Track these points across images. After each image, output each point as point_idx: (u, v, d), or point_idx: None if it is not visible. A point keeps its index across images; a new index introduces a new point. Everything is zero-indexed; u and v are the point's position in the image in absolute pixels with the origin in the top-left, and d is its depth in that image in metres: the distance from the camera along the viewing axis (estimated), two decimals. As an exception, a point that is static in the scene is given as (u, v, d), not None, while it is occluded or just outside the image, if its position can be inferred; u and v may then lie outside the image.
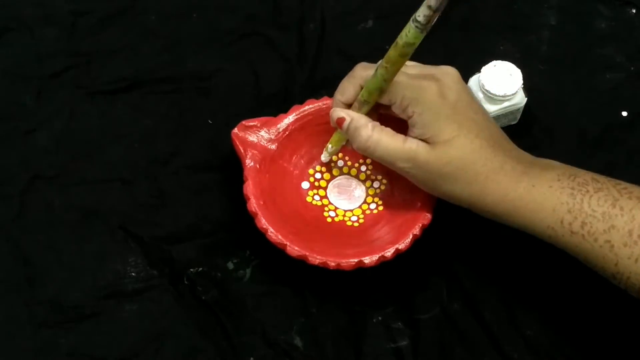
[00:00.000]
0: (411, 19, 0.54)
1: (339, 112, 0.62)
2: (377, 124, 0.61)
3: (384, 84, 0.59)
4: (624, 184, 0.57)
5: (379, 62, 0.59)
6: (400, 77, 0.59)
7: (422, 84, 0.59)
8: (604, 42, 0.76)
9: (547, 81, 0.74)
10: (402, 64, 0.58)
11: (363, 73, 0.61)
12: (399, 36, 0.56)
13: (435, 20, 0.54)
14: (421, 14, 0.53)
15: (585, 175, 0.58)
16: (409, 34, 0.55)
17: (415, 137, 0.59)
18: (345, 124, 0.61)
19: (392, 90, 0.60)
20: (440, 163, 0.59)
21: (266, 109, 0.72)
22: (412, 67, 0.61)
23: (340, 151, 0.67)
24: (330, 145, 0.66)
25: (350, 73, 0.63)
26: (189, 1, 0.78)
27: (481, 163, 0.59)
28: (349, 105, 0.62)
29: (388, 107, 0.61)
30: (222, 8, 0.77)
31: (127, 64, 0.74)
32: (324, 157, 0.67)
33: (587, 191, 0.57)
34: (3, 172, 0.69)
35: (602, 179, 0.58)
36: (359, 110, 0.62)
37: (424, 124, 0.59)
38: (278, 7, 0.77)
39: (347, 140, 0.64)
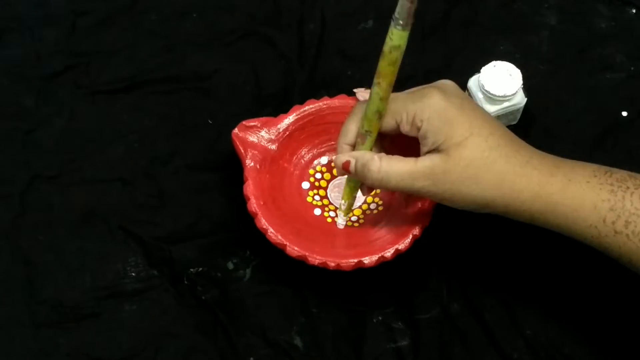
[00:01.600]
0: (391, 22, 0.53)
1: (341, 157, 0.60)
2: (384, 154, 0.59)
3: (381, 104, 0.57)
4: None
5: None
6: (399, 97, 0.58)
7: (422, 92, 0.58)
8: (604, 42, 0.76)
9: (547, 81, 0.74)
10: (393, 74, 0.56)
11: (361, 107, 0.60)
12: (384, 44, 0.54)
13: (413, 12, 0.51)
14: (398, 9, 0.51)
15: (621, 172, 0.56)
16: (393, 36, 0.53)
17: (429, 151, 0.57)
18: (352, 165, 0.59)
19: (395, 108, 0.58)
20: (460, 168, 0.56)
21: (266, 109, 0.72)
22: (406, 91, 0.60)
23: (353, 202, 0.65)
24: (343, 202, 0.64)
25: (350, 113, 0.61)
26: (189, 1, 0.77)
27: (503, 160, 0.56)
28: (354, 147, 0.61)
29: (392, 138, 0.60)
30: (222, 8, 0.77)
31: (127, 64, 0.74)
32: (341, 221, 0.65)
33: (628, 188, 0.55)
34: (3, 172, 0.69)
35: (638, 175, 0.56)
36: (362, 145, 0.60)
37: (435, 130, 0.56)
38: (278, 7, 0.77)
39: (359, 186, 0.63)
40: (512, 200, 0.57)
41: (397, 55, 0.55)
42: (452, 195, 0.57)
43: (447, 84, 0.59)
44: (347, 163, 0.60)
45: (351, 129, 0.60)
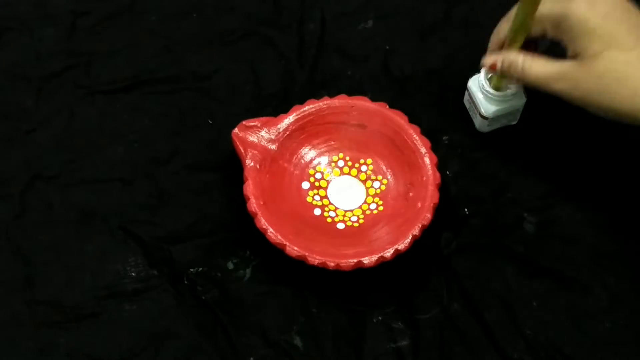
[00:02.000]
0: None
1: (490, 58, 0.63)
2: (528, 56, 0.61)
3: (527, 21, 0.59)
4: None
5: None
6: (545, 4, 0.59)
7: None
8: (604, 42, 0.76)
9: (547, 81, 0.74)
10: None
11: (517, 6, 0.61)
12: None
13: None
14: None
15: None
16: None
17: (571, 56, 0.58)
18: (498, 65, 0.62)
19: (542, 13, 0.59)
20: (592, 79, 0.57)
21: (266, 109, 0.72)
22: None
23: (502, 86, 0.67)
24: (494, 82, 0.66)
25: (509, 13, 0.63)
26: (189, 1, 0.78)
27: (639, 74, 0.56)
28: (502, 45, 0.63)
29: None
30: (222, 8, 0.77)
31: (127, 64, 0.74)
32: (486, 93, 0.67)
33: None
34: (3, 172, 0.69)
35: None
36: (510, 47, 0.62)
37: (574, 38, 0.58)
38: (278, 7, 0.77)
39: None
40: None
41: None
42: (587, 104, 0.59)
43: None
44: (494, 65, 0.63)
45: (503, 28, 0.63)
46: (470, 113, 0.71)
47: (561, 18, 0.58)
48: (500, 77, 0.66)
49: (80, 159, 0.70)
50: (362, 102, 0.68)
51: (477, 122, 0.70)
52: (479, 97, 0.68)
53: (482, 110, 0.68)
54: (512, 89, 0.67)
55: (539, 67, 0.60)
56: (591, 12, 0.57)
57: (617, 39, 0.56)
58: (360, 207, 0.67)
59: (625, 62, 0.56)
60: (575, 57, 0.58)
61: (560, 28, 0.59)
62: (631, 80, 0.56)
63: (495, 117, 0.68)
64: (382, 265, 0.62)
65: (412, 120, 0.67)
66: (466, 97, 0.71)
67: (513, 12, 0.62)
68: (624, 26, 0.57)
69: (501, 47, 0.64)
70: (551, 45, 0.63)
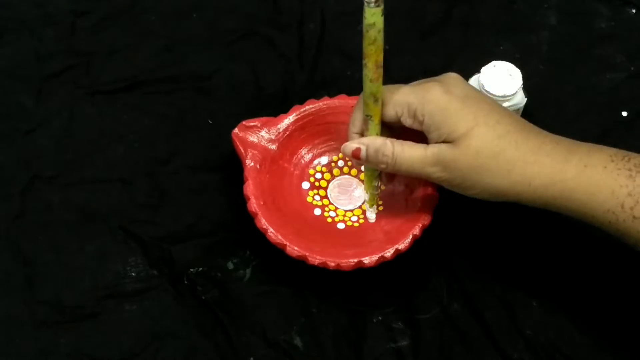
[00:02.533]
0: (364, 2, 0.52)
1: (350, 145, 0.60)
2: (395, 139, 0.59)
3: (372, 85, 0.57)
4: None
5: None
6: (402, 88, 0.58)
7: (424, 86, 0.58)
8: (604, 42, 0.76)
9: (547, 81, 0.74)
10: (376, 54, 0.55)
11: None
12: (363, 25, 0.54)
13: None
14: None
15: (639, 157, 0.55)
16: (366, 14, 0.53)
17: (436, 143, 0.57)
18: (362, 152, 0.59)
19: (397, 101, 0.58)
20: (468, 158, 0.56)
21: (266, 109, 0.72)
22: (411, 83, 0.60)
23: (376, 193, 0.65)
24: (366, 194, 0.65)
25: (357, 102, 0.61)
26: (189, 1, 0.78)
27: (512, 147, 0.55)
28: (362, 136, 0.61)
29: (403, 127, 0.59)
30: (222, 8, 0.77)
31: (127, 64, 0.74)
32: (370, 214, 0.65)
33: None
34: (3, 172, 0.69)
35: None
36: (367, 131, 0.60)
37: (437, 125, 0.56)
38: (278, 7, 0.77)
39: (377, 175, 0.63)
40: (524, 188, 0.56)
41: (375, 34, 0.54)
42: (462, 183, 0.57)
43: (451, 76, 0.59)
44: (358, 150, 0.59)
45: (357, 117, 0.60)
46: (470, 113, 0.71)
47: (418, 107, 0.57)
48: (370, 176, 0.63)
49: (80, 159, 0.70)
50: (362, 102, 0.68)
51: (477, 122, 0.70)
52: (478, 97, 0.68)
53: (482, 111, 0.68)
54: (512, 89, 0.67)
55: (412, 152, 0.57)
56: (449, 97, 0.56)
57: (480, 116, 0.56)
58: (360, 207, 0.67)
59: (496, 137, 0.56)
60: (441, 141, 0.57)
61: (416, 118, 0.57)
62: (506, 153, 0.56)
63: (495, 117, 0.68)
64: (382, 265, 0.62)
65: (412, 120, 0.67)
66: (466, 97, 0.71)
67: (362, 99, 0.59)
68: (483, 104, 0.57)
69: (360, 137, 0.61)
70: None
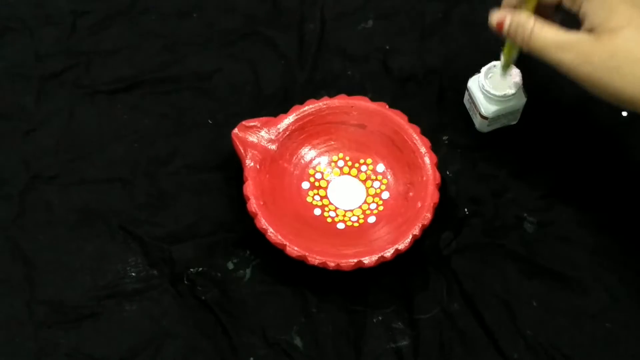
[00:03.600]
0: None
1: (497, 14, 0.59)
2: (540, 19, 0.58)
3: None
4: None
5: None
6: None
7: None
8: (604, 42, 0.76)
9: (547, 81, 0.74)
10: None
11: None
12: None
13: None
14: None
15: None
16: None
17: (584, 31, 0.56)
18: (506, 24, 0.59)
19: None
20: (605, 54, 0.54)
21: (266, 109, 0.72)
22: None
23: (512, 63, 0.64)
24: (502, 60, 0.64)
25: None
26: (189, 1, 0.78)
27: None
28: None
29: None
30: (222, 8, 0.77)
31: (127, 64, 0.74)
32: (501, 73, 0.65)
33: None
34: (3, 172, 0.69)
35: None
36: (522, 9, 0.59)
37: (593, 11, 0.55)
38: (278, 7, 0.77)
39: (519, 49, 0.62)
40: None
41: None
42: (590, 78, 0.55)
43: None
44: (502, 21, 0.59)
45: None
46: (470, 113, 0.71)
47: None
48: (510, 46, 0.63)
49: (80, 159, 0.70)
50: (362, 102, 0.68)
51: (477, 122, 0.70)
52: (479, 97, 0.68)
53: (482, 110, 0.68)
54: (511, 89, 0.67)
55: (548, 33, 0.56)
56: None
57: (636, 18, 0.54)
58: (360, 207, 0.67)
59: None
60: (590, 31, 0.55)
61: (576, 0, 0.56)
62: None
63: (495, 117, 0.69)
64: (382, 265, 0.62)
65: (412, 120, 0.67)
66: (466, 97, 0.71)
67: None
68: None
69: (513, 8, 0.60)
70: (565, 18, 0.60)
